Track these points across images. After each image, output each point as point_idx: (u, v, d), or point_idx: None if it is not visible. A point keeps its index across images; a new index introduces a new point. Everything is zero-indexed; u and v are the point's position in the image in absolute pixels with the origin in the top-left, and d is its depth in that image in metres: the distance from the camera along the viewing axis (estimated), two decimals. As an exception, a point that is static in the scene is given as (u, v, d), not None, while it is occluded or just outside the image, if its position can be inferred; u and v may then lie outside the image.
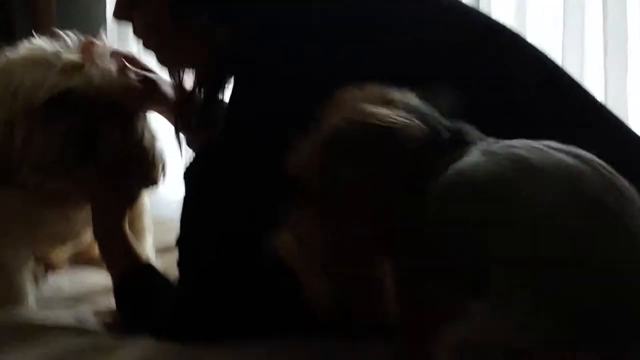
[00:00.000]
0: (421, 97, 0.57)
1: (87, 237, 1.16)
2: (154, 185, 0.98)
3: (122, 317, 0.85)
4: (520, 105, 0.74)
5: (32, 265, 1.06)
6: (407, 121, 0.52)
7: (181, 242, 0.80)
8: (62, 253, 1.19)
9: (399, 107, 0.54)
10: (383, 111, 0.53)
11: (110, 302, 0.98)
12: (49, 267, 1.17)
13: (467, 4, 0.97)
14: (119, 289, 0.85)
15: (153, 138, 0.97)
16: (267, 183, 0.71)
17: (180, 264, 0.80)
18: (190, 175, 0.81)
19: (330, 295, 0.60)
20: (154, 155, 0.96)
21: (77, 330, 0.83)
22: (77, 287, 1.09)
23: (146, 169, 0.95)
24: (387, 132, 0.52)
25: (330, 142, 0.53)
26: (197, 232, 0.79)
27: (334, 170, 0.53)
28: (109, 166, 0.88)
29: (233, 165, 0.76)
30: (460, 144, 0.54)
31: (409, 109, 0.54)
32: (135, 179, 0.95)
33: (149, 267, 0.86)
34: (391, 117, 0.52)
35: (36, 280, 1.08)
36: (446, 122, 0.56)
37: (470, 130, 0.56)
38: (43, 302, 1.01)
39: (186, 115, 0.93)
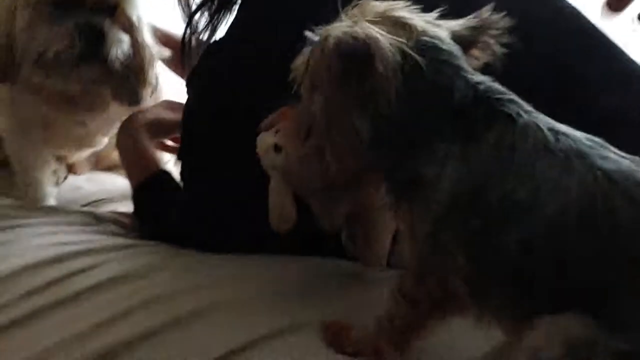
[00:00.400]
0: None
1: (106, 143, 1.19)
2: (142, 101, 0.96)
3: (137, 221, 0.88)
4: (567, 75, 0.72)
5: (54, 167, 1.09)
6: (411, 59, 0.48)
7: (182, 152, 0.83)
8: (83, 157, 1.22)
9: (412, 38, 0.50)
10: (387, 38, 0.49)
11: (127, 205, 1.02)
12: (70, 170, 1.21)
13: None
14: (135, 196, 0.87)
15: (152, 54, 0.95)
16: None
17: (182, 173, 0.82)
18: (190, 81, 0.84)
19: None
20: (152, 68, 0.94)
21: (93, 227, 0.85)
22: (96, 189, 1.12)
23: (145, 78, 0.93)
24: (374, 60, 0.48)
25: (326, 52, 0.50)
26: (195, 144, 0.81)
27: (320, 79, 0.51)
28: (113, 68, 0.87)
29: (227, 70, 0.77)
30: (488, 111, 0.49)
31: (424, 44, 0.50)
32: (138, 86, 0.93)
33: (164, 174, 0.88)
34: (390, 50, 0.48)
35: (57, 181, 1.12)
36: (475, 78, 0.50)
37: (507, 99, 0.50)
38: (64, 202, 1.04)
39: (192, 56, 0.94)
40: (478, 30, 0.53)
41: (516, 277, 0.46)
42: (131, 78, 0.91)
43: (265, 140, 0.62)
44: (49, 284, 0.66)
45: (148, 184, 0.86)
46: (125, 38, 0.89)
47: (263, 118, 0.65)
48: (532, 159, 0.46)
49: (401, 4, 0.53)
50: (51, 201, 1.02)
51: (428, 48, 0.50)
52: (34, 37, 0.85)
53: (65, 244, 0.76)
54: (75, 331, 0.59)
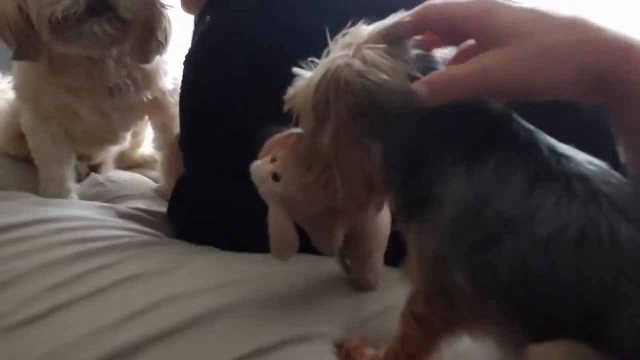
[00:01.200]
0: None
1: (129, 142, 1.19)
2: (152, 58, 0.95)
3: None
4: None
5: (76, 163, 1.10)
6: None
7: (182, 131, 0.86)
8: (107, 158, 1.22)
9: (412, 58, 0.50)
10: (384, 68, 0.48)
11: (147, 203, 1.02)
12: (94, 170, 1.22)
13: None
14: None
15: (161, 11, 0.94)
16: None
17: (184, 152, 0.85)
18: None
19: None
20: (160, 25, 0.93)
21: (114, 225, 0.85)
22: (117, 187, 1.12)
23: (154, 34, 0.92)
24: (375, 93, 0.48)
25: (326, 82, 0.50)
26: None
27: (322, 109, 0.51)
28: (124, 18, 0.86)
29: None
30: (491, 131, 0.48)
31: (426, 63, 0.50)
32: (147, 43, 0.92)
33: None
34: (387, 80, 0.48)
35: (79, 178, 1.13)
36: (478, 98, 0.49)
37: (508, 118, 0.49)
38: (85, 199, 1.04)
39: None
40: None
41: (511, 300, 0.45)
42: (141, 34, 0.90)
43: (262, 168, 0.61)
44: (69, 281, 0.66)
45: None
46: None
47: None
48: (531, 182, 0.44)
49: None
50: (73, 196, 1.03)
51: (429, 68, 0.50)
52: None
53: (85, 240, 0.76)
54: (92, 329, 0.58)
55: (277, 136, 0.62)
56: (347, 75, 0.48)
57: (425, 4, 0.49)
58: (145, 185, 1.14)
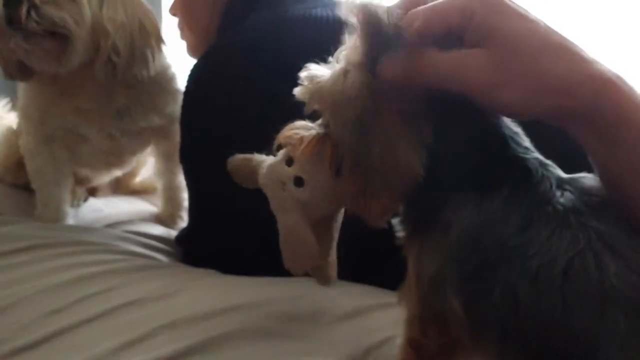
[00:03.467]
0: None
1: (132, 166, 1.19)
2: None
3: None
4: None
5: (74, 188, 1.09)
6: None
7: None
8: (105, 181, 1.22)
9: None
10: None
11: (146, 227, 1.01)
12: (91, 193, 1.21)
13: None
14: None
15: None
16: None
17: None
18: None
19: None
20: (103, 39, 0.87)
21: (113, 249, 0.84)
22: (115, 212, 1.11)
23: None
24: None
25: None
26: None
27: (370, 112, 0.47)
28: (29, 30, 0.82)
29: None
30: (508, 163, 0.48)
31: None
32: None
33: None
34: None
35: (77, 202, 1.12)
36: (500, 125, 0.49)
37: (525, 150, 0.48)
38: (84, 224, 1.03)
39: None
40: None
41: (504, 329, 0.45)
42: (70, 47, 0.85)
43: (280, 171, 0.55)
44: (68, 307, 0.65)
45: None
46: (45, 1, 0.82)
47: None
48: (532, 215, 0.45)
49: None
50: (69, 221, 1.02)
51: None
52: None
53: (85, 264, 0.75)
54: (91, 356, 0.57)
55: (288, 132, 0.56)
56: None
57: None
58: (145, 210, 1.13)
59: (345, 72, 0.49)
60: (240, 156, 0.60)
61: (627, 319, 0.40)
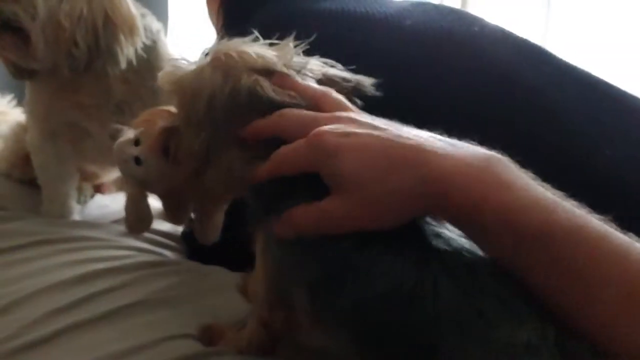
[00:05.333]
0: None
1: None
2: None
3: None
4: (569, 132, 0.71)
5: (80, 184, 1.09)
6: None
7: None
8: (112, 178, 1.22)
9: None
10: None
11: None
12: (97, 190, 1.21)
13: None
14: None
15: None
16: None
17: None
18: None
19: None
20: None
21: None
22: (121, 208, 1.10)
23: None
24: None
25: (219, 89, 0.51)
26: None
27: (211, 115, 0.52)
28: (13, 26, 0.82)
29: None
30: None
31: None
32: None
33: None
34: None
35: (83, 198, 1.12)
36: None
37: None
38: (92, 219, 1.04)
39: None
40: (347, 81, 0.56)
41: (352, 332, 0.47)
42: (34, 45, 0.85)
43: (125, 150, 0.63)
44: (75, 304, 0.65)
45: None
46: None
47: None
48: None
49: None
50: (75, 217, 1.02)
51: None
52: None
53: (90, 261, 0.75)
54: (95, 357, 0.57)
55: (147, 115, 0.63)
56: (244, 87, 0.50)
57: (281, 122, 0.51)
58: (151, 207, 1.13)
59: (205, 69, 0.53)
60: (115, 127, 0.70)
61: (453, 336, 0.43)
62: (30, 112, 1.00)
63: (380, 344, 0.46)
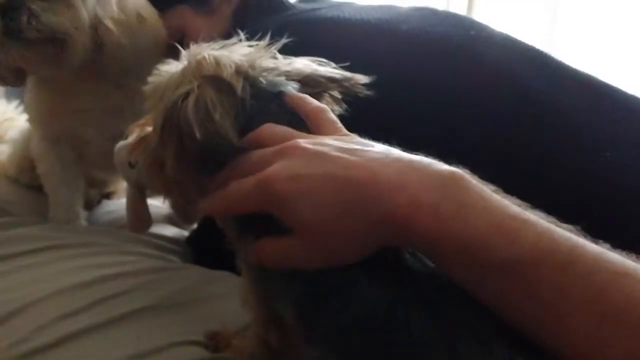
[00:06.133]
0: None
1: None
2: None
3: None
4: (570, 133, 0.72)
5: (87, 190, 1.10)
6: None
7: None
8: (117, 183, 1.22)
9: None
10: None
11: (158, 228, 1.02)
12: (107, 196, 1.22)
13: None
14: None
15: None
16: None
17: None
18: None
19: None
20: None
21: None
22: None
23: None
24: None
25: (172, 111, 0.49)
26: None
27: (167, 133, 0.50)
28: (28, 37, 0.82)
29: None
30: None
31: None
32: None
33: None
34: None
35: (90, 204, 1.13)
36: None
37: None
38: (99, 224, 1.05)
39: None
40: (333, 81, 0.55)
41: (341, 356, 0.47)
42: (70, 50, 0.86)
43: (121, 154, 0.68)
44: (81, 310, 0.65)
45: None
46: (40, 7, 0.83)
47: None
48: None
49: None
50: (82, 222, 1.02)
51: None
52: None
53: (97, 266, 0.75)
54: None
55: (142, 121, 0.62)
56: (183, 119, 0.47)
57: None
58: (158, 212, 1.14)
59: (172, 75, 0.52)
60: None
61: None
62: (30, 120, 1.02)
63: None
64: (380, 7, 0.86)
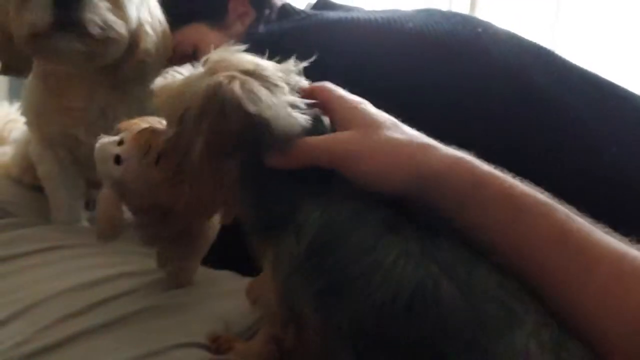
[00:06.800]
0: None
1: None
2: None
3: None
4: (575, 130, 0.73)
5: (88, 191, 1.10)
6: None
7: None
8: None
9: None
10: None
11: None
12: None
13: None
14: None
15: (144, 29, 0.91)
16: None
17: None
18: None
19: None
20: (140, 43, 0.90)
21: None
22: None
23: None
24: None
25: (207, 97, 0.50)
26: None
27: (198, 120, 0.51)
28: (90, 32, 0.83)
29: None
30: None
31: None
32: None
33: None
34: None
35: (90, 205, 1.12)
36: None
37: None
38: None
39: None
40: None
41: (355, 351, 0.47)
42: (112, 49, 0.87)
43: (106, 148, 0.63)
44: (85, 310, 0.65)
45: None
46: (105, 5, 0.84)
47: None
48: (377, 235, 0.47)
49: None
50: (84, 223, 1.02)
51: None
52: (19, 15, 0.83)
53: (100, 266, 0.76)
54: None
55: (134, 120, 0.63)
56: (230, 97, 0.49)
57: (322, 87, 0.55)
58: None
59: (195, 73, 0.53)
60: (102, 137, 0.68)
61: (454, 347, 0.44)
62: (27, 123, 1.02)
63: None
64: (386, 10, 0.87)
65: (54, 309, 0.65)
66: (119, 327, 0.63)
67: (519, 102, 0.73)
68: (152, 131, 0.60)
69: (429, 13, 0.86)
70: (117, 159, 0.61)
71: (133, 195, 0.62)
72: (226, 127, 0.49)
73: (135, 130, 0.62)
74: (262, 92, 0.50)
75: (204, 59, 0.55)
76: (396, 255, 0.46)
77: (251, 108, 0.48)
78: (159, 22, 0.94)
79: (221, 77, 0.50)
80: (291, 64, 0.55)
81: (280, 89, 0.52)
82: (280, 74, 0.53)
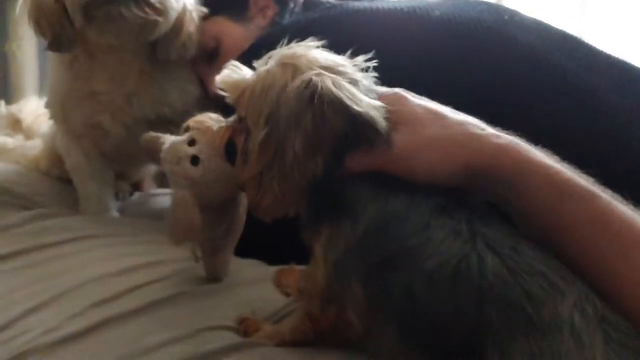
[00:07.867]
0: None
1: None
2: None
3: None
4: (604, 115, 0.73)
5: (118, 182, 1.11)
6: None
7: None
8: (148, 175, 1.23)
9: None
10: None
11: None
12: (137, 188, 1.23)
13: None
14: None
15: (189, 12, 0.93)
16: None
17: None
18: None
19: None
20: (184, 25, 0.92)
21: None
22: (159, 206, 1.13)
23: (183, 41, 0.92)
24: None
25: (303, 95, 0.51)
26: None
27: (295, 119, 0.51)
28: (157, 14, 0.86)
29: None
30: None
31: None
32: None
33: None
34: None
35: (122, 196, 1.14)
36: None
37: None
38: (132, 215, 1.06)
39: None
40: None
41: (401, 327, 0.50)
42: (165, 23, 0.89)
43: (180, 148, 0.61)
44: (114, 297, 0.66)
45: None
46: None
47: None
48: (430, 217, 0.50)
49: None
50: (113, 214, 1.03)
51: None
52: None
53: (130, 255, 0.76)
54: (138, 348, 0.57)
55: (199, 118, 0.62)
56: (331, 97, 0.50)
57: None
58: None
59: (273, 69, 0.54)
60: (151, 134, 0.67)
61: (498, 313, 0.46)
62: (52, 117, 1.02)
63: (427, 339, 0.49)
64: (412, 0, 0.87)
65: (84, 297, 0.65)
66: (150, 313, 0.63)
67: (547, 88, 0.73)
68: (233, 128, 0.59)
69: (455, 2, 0.85)
70: (194, 160, 0.60)
71: (207, 194, 0.61)
72: (326, 127, 0.51)
73: (206, 129, 0.61)
74: (355, 91, 0.52)
75: (269, 54, 0.56)
76: (447, 233, 0.49)
77: (355, 108, 0.50)
78: (199, 11, 0.96)
79: (311, 75, 0.51)
80: (360, 60, 0.56)
81: (360, 84, 0.54)
82: (354, 69, 0.55)
